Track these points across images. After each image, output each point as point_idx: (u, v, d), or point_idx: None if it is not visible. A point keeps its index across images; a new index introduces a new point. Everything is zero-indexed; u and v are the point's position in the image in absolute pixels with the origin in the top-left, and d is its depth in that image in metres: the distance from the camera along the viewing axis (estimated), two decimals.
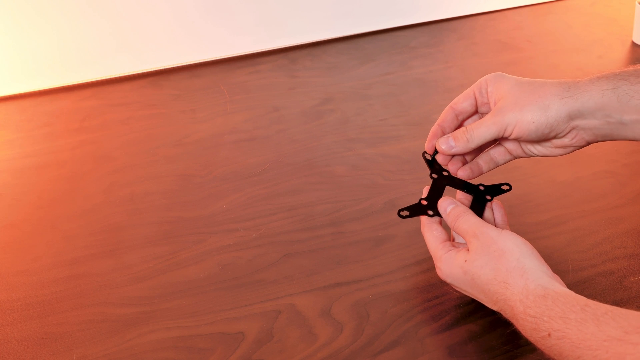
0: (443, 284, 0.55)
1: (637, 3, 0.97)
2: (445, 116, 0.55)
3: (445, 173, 0.56)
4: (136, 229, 0.64)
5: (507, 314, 0.45)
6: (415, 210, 0.53)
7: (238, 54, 1.01)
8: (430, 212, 0.53)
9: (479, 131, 0.51)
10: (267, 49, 1.02)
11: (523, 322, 0.42)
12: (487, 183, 0.56)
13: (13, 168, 0.75)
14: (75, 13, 0.91)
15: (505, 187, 0.56)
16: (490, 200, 0.54)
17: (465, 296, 0.53)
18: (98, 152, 0.78)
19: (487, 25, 1.09)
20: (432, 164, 0.56)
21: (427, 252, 0.59)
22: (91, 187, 0.71)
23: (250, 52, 1.01)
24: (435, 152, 0.56)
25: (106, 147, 0.79)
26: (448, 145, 0.53)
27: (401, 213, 0.52)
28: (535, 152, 0.54)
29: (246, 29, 1.01)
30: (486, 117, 0.51)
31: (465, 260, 0.47)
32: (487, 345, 0.49)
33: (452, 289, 0.53)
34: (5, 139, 0.82)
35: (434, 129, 0.55)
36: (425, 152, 0.56)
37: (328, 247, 0.60)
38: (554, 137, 0.51)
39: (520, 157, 0.56)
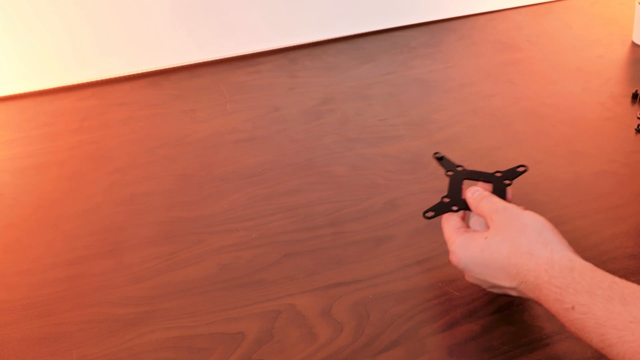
0: (443, 283, 0.55)
1: (637, 3, 0.97)
2: None
3: (459, 168, 0.56)
4: (136, 229, 0.64)
5: (528, 285, 0.44)
6: (440, 208, 0.53)
7: (238, 54, 1.01)
8: (455, 207, 0.53)
9: None
10: (267, 49, 1.02)
11: (547, 291, 0.42)
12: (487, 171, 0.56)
13: (13, 168, 0.75)
14: (75, 13, 0.91)
15: (520, 169, 0.56)
16: (510, 184, 0.54)
17: (466, 296, 0.53)
18: (98, 152, 0.78)
19: (487, 25, 1.09)
20: (444, 162, 0.56)
21: (427, 252, 0.59)
22: (91, 187, 0.71)
23: (250, 52, 1.01)
24: (436, 154, 0.56)
25: (106, 147, 0.79)
26: None
27: (427, 214, 0.52)
28: None
29: (246, 29, 1.01)
30: None
31: (486, 237, 0.47)
32: (487, 345, 0.49)
33: (464, 276, 0.52)
34: (5, 139, 0.82)
35: None
36: (435, 153, 0.57)
37: (328, 247, 0.60)
38: None
39: None
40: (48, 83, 0.93)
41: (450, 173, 0.56)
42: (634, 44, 0.99)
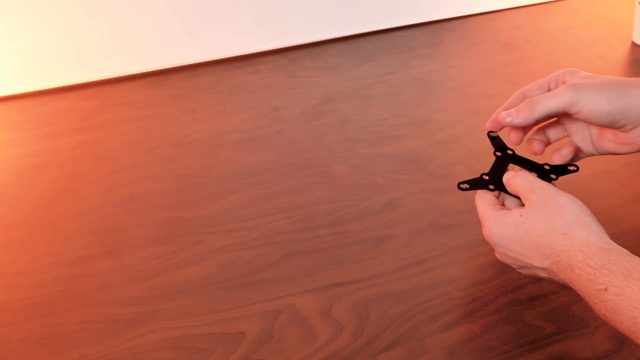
0: (443, 283, 0.55)
1: (637, 3, 0.97)
2: (515, 101, 0.53)
3: (509, 151, 0.54)
4: (136, 229, 0.64)
5: (560, 265, 0.43)
6: (476, 183, 0.52)
7: (238, 54, 1.01)
8: (492, 187, 0.51)
9: (545, 100, 0.49)
10: (267, 49, 1.02)
11: (580, 271, 0.41)
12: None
13: (13, 168, 0.75)
14: (75, 13, 0.91)
15: (572, 168, 0.54)
16: (555, 179, 0.52)
17: (466, 296, 0.53)
18: (98, 152, 0.78)
19: (487, 25, 1.09)
20: (497, 141, 0.55)
21: (427, 252, 0.59)
22: (91, 187, 0.71)
23: (250, 52, 1.01)
24: (491, 133, 0.55)
25: (106, 147, 0.79)
26: (508, 117, 0.50)
27: (461, 185, 0.51)
28: (602, 146, 0.52)
29: (246, 29, 1.01)
30: (557, 89, 0.49)
31: (521, 215, 0.46)
32: (487, 345, 0.49)
33: (495, 252, 0.51)
34: (5, 139, 0.82)
35: (500, 109, 0.53)
36: (490, 132, 0.56)
37: (328, 247, 0.60)
38: (622, 127, 0.48)
39: (589, 155, 0.54)
40: (48, 83, 0.93)
41: (498, 154, 0.54)
42: (634, 44, 0.99)
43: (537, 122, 0.52)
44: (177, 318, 0.53)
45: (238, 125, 0.82)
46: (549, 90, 0.52)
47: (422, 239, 0.61)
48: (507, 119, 0.51)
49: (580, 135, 0.54)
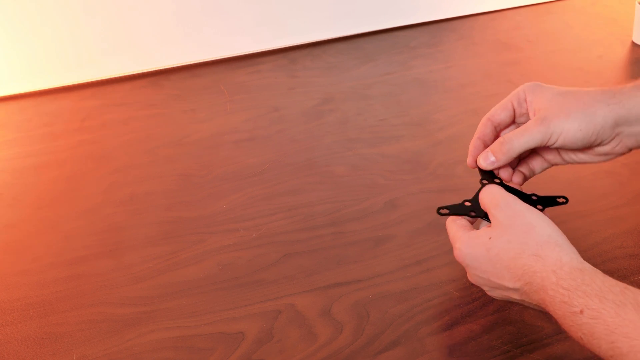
0: (443, 283, 0.55)
1: (637, 3, 0.97)
2: (484, 129, 0.53)
3: (497, 180, 0.53)
4: (136, 229, 0.64)
5: (533, 286, 0.42)
6: (457, 209, 0.51)
7: (238, 54, 1.01)
8: (473, 213, 0.50)
9: (520, 140, 0.49)
10: (267, 49, 1.02)
11: (553, 293, 0.40)
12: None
13: (13, 168, 0.75)
14: (75, 13, 0.91)
15: (561, 200, 0.53)
16: (542, 210, 0.50)
17: (466, 296, 0.53)
18: (98, 152, 0.78)
19: (487, 25, 1.09)
20: (486, 171, 0.54)
21: (427, 252, 0.59)
22: (91, 187, 0.71)
23: (250, 52, 1.02)
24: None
25: (106, 147, 0.79)
26: (488, 161, 0.51)
27: (441, 211, 0.50)
28: (576, 159, 0.53)
29: (246, 29, 1.01)
30: (529, 125, 0.49)
31: (490, 238, 0.45)
32: (487, 345, 0.49)
33: (467, 273, 0.50)
34: (5, 139, 0.82)
35: (474, 142, 0.53)
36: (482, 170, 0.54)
37: (328, 247, 0.60)
38: (598, 145, 0.50)
39: (558, 165, 0.55)
40: (48, 83, 0.93)
41: (485, 182, 0.53)
42: (634, 44, 0.99)
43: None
44: (177, 318, 0.53)
45: (238, 125, 0.82)
46: (513, 109, 0.53)
47: (422, 239, 0.61)
48: (489, 166, 0.51)
49: (548, 150, 0.54)
